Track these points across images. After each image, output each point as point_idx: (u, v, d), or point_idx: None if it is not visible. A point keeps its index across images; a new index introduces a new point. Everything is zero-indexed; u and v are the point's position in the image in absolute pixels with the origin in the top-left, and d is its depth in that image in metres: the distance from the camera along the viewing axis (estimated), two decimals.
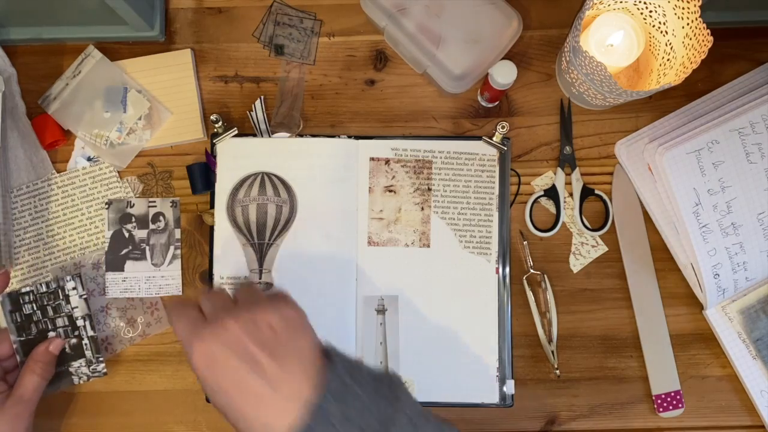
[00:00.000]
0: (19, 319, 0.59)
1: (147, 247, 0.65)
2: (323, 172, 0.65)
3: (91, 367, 0.61)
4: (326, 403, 0.44)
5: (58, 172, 0.65)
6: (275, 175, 0.64)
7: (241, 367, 0.45)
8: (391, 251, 0.64)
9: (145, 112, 0.65)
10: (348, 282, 0.64)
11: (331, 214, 0.64)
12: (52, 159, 0.66)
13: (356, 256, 0.64)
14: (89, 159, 0.65)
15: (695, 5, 0.57)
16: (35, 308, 0.60)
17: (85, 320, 0.60)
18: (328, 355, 0.48)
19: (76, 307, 0.60)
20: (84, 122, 0.65)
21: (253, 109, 0.65)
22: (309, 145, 0.65)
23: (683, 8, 0.58)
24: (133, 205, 0.65)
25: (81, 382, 0.62)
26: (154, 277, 0.64)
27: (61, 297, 0.60)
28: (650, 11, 0.61)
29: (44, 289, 0.60)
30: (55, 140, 0.65)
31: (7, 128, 0.62)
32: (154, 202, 0.65)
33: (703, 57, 0.56)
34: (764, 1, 0.64)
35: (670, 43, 0.61)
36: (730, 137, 0.60)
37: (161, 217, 0.65)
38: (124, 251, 0.65)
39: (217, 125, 0.64)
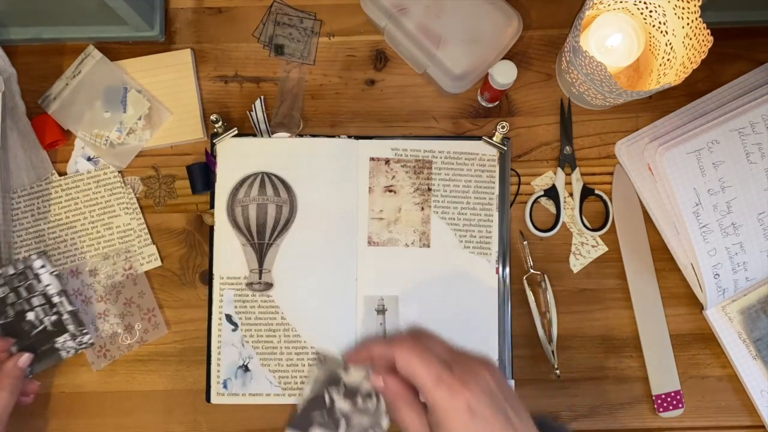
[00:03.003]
0: None
1: (342, 419, 0.53)
2: (323, 172, 0.65)
3: (77, 340, 0.61)
4: None
5: (58, 172, 0.65)
6: (275, 175, 0.64)
7: (498, 419, 0.44)
8: (391, 251, 0.64)
9: (145, 112, 0.65)
10: (348, 282, 0.64)
11: (331, 214, 0.64)
12: (52, 159, 0.66)
13: (356, 256, 0.64)
14: (89, 159, 0.65)
15: (695, 5, 0.57)
16: (8, 291, 0.60)
17: (61, 296, 0.60)
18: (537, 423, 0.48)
19: (49, 284, 0.60)
20: (84, 122, 0.65)
21: (253, 109, 0.65)
22: (309, 145, 0.65)
23: (683, 8, 0.58)
24: (348, 369, 0.54)
25: (69, 355, 0.62)
26: None
27: (30, 277, 0.60)
28: (650, 11, 0.61)
29: (12, 271, 0.60)
30: (55, 140, 0.65)
31: (7, 128, 0.62)
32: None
33: (703, 57, 0.56)
34: (764, 1, 0.64)
35: (670, 43, 0.61)
36: (730, 137, 0.60)
37: (373, 396, 0.53)
38: (316, 414, 0.53)
39: (217, 125, 0.64)
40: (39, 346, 0.61)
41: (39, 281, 0.60)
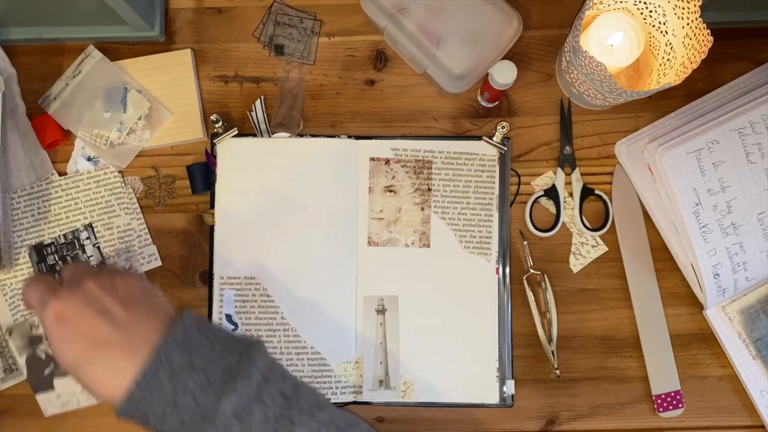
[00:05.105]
0: (44, 269, 0.64)
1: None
2: (323, 172, 0.65)
3: None
4: (170, 349, 0.45)
5: (58, 173, 0.65)
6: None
7: (95, 317, 0.46)
8: (391, 251, 0.64)
9: (145, 112, 0.65)
10: (348, 282, 0.64)
11: (331, 214, 0.64)
12: (52, 159, 0.66)
13: (356, 256, 0.64)
14: (89, 159, 0.65)
15: (695, 5, 0.57)
16: (57, 258, 0.64)
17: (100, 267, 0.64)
18: (181, 313, 0.49)
19: (91, 255, 0.64)
20: (84, 122, 0.65)
21: (253, 109, 0.65)
22: (309, 145, 0.65)
23: (683, 8, 0.58)
24: (38, 325, 0.63)
25: None
26: None
27: (77, 247, 0.64)
28: (650, 11, 0.61)
29: (63, 240, 0.64)
30: (55, 140, 0.65)
31: (7, 128, 0.62)
32: None
33: (703, 57, 0.56)
34: (764, 1, 0.64)
35: (670, 43, 0.61)
36: (730, 137, 0.60)
37: None
38: (47, 371, 0.63)
39: (217, 125, 0.64)
40: None
41: (83, 251, 0.64)
